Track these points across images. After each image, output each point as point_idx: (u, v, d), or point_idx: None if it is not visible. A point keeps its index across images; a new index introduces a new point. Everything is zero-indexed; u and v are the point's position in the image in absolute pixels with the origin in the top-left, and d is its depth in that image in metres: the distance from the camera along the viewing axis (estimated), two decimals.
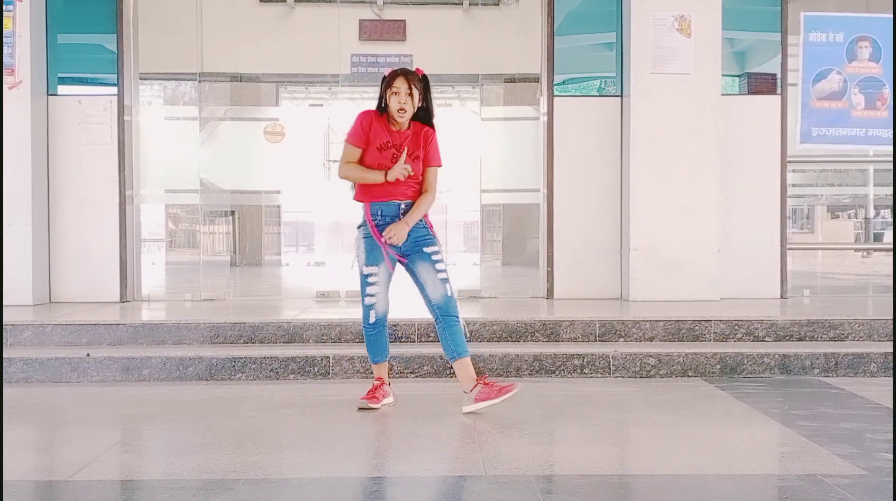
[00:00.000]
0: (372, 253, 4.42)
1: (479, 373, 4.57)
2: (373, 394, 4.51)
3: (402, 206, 4.44)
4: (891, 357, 5.51)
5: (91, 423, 4.36)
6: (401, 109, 4.38)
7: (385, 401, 4.54)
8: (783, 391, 5.03)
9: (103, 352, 5.51)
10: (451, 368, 4.62)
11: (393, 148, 4.42)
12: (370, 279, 4.43)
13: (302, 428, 4.17)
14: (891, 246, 10.71)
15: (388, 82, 4.41)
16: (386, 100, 4.42)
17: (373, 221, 4.43)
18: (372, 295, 4.44)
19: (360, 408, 4.45)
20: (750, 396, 4.87)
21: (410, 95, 4.38)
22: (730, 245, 7.26)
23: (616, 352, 5.49)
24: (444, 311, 4.42)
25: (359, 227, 4.51)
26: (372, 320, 4.47)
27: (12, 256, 6.86)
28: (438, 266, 4.44)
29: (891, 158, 7.88)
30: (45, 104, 7.21)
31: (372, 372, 4.76)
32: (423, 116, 4.50)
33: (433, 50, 8.49)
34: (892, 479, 3.28)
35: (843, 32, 7.47)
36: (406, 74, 4.41)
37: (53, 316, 6.23)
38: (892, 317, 5.97)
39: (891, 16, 7.39)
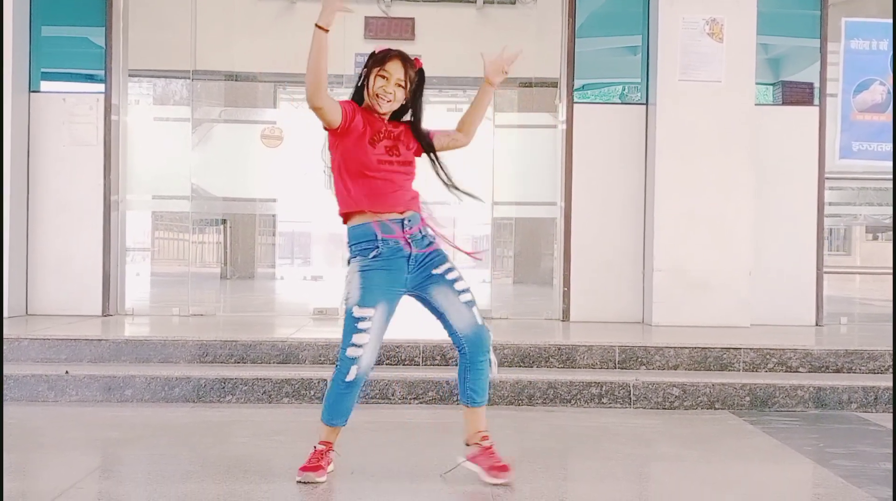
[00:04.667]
0: (370, 292, 3.65)
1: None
2: (318, 463, 3.76)
3: (407, 221, 3.74)
4: None
5: (69, 446, 4.36)
6: (383, 95, 3.70)
7: (328, 469, 3.79)
8: (818, 427, 5.01)
9: (83, 370, 5.51)
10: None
11: (386, 139, 3.73)
12: (360, 325, 3.63)
13: (296, 457, 4.14)
14: None
15: (379, 60, 3.74)
16: (368, 80, 3.75)
17: (371, 248, 3.69)
18: (358, 346, 3.63)
19: (301, 482, 3.69)
20: (782, 431, 4.85)
21: (402, 86, 3.74)
22: (761, 267, 7.25)
23: (637, 381, 5.48)
24: (474, 346, 3.78)
25: (353, 257, 3.75)
26: (350, 377, 3.65)
27: None
28: (458, 286, 3.77)
29: None
30: (26, 101, 7.25)
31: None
32: (415, 116, 3.88)
33: (444, 50, 8.52)
34: None
35: (888, 40, 7.47)
36: (403, 58, 3.76)
37: (30, 330, 6.24)
38: (892, 341, 5.95)
39: None
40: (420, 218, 3.81)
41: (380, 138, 3.71)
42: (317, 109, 3.59)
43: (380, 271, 3.67)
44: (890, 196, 10.20)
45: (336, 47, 8.10)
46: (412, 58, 3.80)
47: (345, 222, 3.81)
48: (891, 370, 5.88)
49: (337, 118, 3.63)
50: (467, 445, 3.85)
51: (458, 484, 3.76)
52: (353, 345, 3.64)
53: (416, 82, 3.80)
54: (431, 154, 3.90)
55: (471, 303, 3.78)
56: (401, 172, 3.76)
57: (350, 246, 3.76)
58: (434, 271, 3.75)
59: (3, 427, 4.45)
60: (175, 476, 3.79)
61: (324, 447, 3.80)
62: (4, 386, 5.34)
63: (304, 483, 3.69)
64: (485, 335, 3.80)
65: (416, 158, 3.86)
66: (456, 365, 3.90)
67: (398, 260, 3.70)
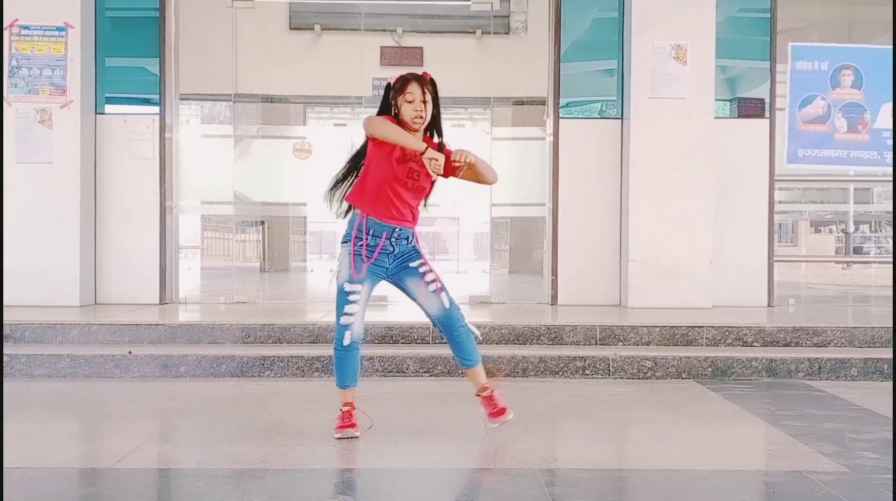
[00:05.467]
0: (358, 271, 3.73)
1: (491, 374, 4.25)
2: (349, 421, 3.82)
3: (397, 231, 3.77)
4: (871, 363, 5.46)
5: (132, 416, 4.36)
6: (417, 117, 3.69)
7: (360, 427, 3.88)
8: (770, 393, 5.00)
9: (144, 350, 5.53)
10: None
11: (412, 161, 3.69)
12: (351, 298, 3.71)
13: (326, 422, 4.16)
14: (869, 259, 10.66)
15: (399, 89, 3.72)
16: (397, 108, 3.73)
17: (362, 238, 3.74)
18: (350, 314, 3.72)
19: (341, 438, 3.76)
20: (739, 397, 4.84)
21: (424, 101, 3.70)
22: (721, 257, 7.23)
23: (615, 355, 5.47)
24: (446, 327, 3.84)
25: (344, 242, 3.80)
26: (346, 341, 3.73)
27: (61, 261, 6.92)
28: (427, 278, 3.80)
29: (870, 178, 7.88)
30: (93, 122, 7.25)
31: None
32: (436, 123, 3.83)
33: (448, 75, 8.44)
34: (873, 476, 3.26)
35: (828, 61, 7.44)
36: (418, 78, 3.72)
37: (98, 316, 6.25)
38: (880, 325, 5.93)
39: (871, 46, 7.38)
40: (412, 232, 3.85)
41: (407, 160, 3.69)
42: (370, 137, 3.70)
43: (366, 258, 3.74)
44: (831, 195, 10.19)
45: (355, 73, 8.17)
46: (420, 74, 3.78)
47: (349, 209, 3.87)
48: (832, 343, 5.87)
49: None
50: (478, 396, 3.96)
51: (464, 442, 3.76)
52: (346, 314, 3.73)
53: (433, 93, 3.76)
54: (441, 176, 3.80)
55: (437, 291, 3.81)
56: (409, 195, 3.78)
57: (347, 229, 3.80)
58: (409, 264, 3.82)
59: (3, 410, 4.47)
60: (223, 440, 3.80)
61: (347, 407, 3.86)
62: (77, 365, 5.37)
63: (344, 438, 3.76)
64: (454, 315, 3.84)
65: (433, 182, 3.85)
66: None
67: (382, 255, 3.77)
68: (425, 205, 3.93)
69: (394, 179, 3.71)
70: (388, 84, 3.80)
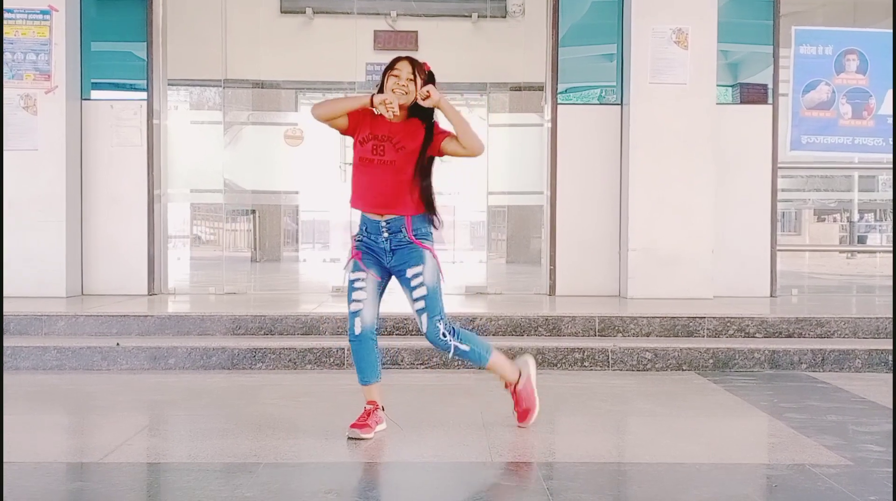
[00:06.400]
0: (360, 259, 3.72)
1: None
2: (364, 421, 3.73)
3: (384, 223, 3.68)
4: (875, 354, 5.48)
5: (120, 408, 4.37)
6: (396, 90, 3.62)
7: (378, 428, 3.78)
8: (772, 385, 5.02)
9: (132, 342, 5.52)
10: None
11: (374, 139, 3.65)
12: (356, 284, 3.70)
13: (318, 415, 4.17)
14: (874, 248, 10.69)
15: (388, 66, 3.70)
16: (383, 84, 3.69)
17: (362, 234, 3.75)
18: (358, 301, 3.69)
19: (350, 438, 3.68)
20: (741, 389, 4.85)
21: (413, 81, 3.64)
22: (723, 246, 7.24)
23: (615, 347, 5.48)
24: (434, 344, 3.75)
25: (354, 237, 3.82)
26: (357, 330, 3.69)
27: (47, 250, 6.90)
28: (416, 293, 3.68)
29: (875, 166, 7.88)
30: (79, 108, 7.22)
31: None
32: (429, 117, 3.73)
33: (443, 59, 8.41)
34: (877, 469, 3.27)
35: (832, 46, 7.44)
36: (411, 60, 3.69)
37: (85, 307, 6.25)
38: (881, 316, 5.94)
39: (877, 30, 7.37)
40: (404, 222, 3.68)
41: (369, 139, 3.67)
42: (321, 121, 3.75)
43: (366, 249, 3.73)
44: (835, 183, 10.21)
45: (348, 58, 8.13)
46: (421, 62, 3.72)
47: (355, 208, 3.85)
48: (836, 334, 5.89)
49: (344, 124, 3.73)
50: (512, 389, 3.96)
51: (460, 435, 3.76)
52: (354, 301, 3.71)
53: (427, 82, 3.69)
54: (429, 155, 3.72)
55: (421, 311, 3.69)
56: (382, 172, 3.65)
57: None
58: (406, 271, 3.69)
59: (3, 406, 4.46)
60: (213, 433, 3.80)
61: (371, 406, 3.79)
62: (64, 357, 5.36)
63: (352, 438, 3.67)
64: (434, 339, 3.72)
65: (417, 160, 3.67)
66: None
67: (379, 248, 3.71)
68: (424, 178, 3.70)
69: (360, 161, 3.69)
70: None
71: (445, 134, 3.71)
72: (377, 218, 3.69)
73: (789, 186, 9.63)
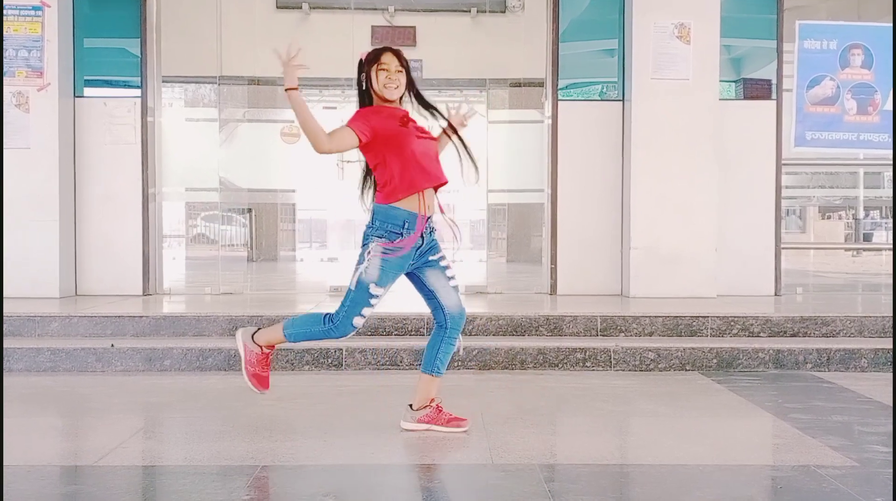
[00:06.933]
0: (387, 275, 3.63)
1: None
2: (265, 371, 3.92)
3: (429, 222, 3.74)
4: (882, 353, 5.48)
5: (115, 411, 4.37)
6: (390, 81, 3.68)
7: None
8: (777, 385, 5.02)
9: (127, 343, 5.52)
10: (424, 373, 3.90)
11: (412, 121, 3.72)
12: (373, 301, 3.65)
13: (316, 417, 4.17)
14: (880, 246, 10.68)
15: (372, 59, 3.71)
16: (369, 80, 3.71)
17: (396, 235, 3.65)
18: (365, 317, 3.70)
19: (247, 386, 3.88)
20: (745, 389, 4.86)
21: (401, 72, 3.70)
22: (726, 244, 7.24)
23: (617, 346, 5.48)
24: (455, 323, 3.80)
25: (379, 236, 3.64)
26: (345, 336, 3.74)
27: (40, 250, 6.89)
28: (449, 272, 3.79)
29: (881, 162, 7.87)
30: (72, 105, 7.21)
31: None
32: (421, 101, 3.83)
33: (442, 55, 8.48)
34: (883, 470, 3.27)
35: (837, 40, 7.43)
36: (393, 50, 3.73)
37: (79, 308, 6.24)
38: (887, 314, 5.94)
39: (882, 24, 7.37)
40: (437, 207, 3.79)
41: (407, 121, 3.69)
42: (328, 153, 3.61)
43: (397, 258, 3.63)
44: (840, 179, 10.19)
45: (345, 54, 8.09)
46: (395, 48, 3.78)
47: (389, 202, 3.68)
48: (841, 333, 5.89)
49: (354, 140, 3.61)
50: (415, 409, 3.88)
51: (460, 437, 3.76)
52: (361, 316, 3.68)
53: (407, 70, 3.75)
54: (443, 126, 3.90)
55: (457, 288, 3.82)
56: (431, 148, 3.75)
57: (376, 223, 3.66)
58: (431, 258, 3.75)
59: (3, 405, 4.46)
60: (209, 436, 3.80)
61: (269, 351, 3.91)
62: (58, 358, 5.36)
63: (249, 387, 3.84)
64: (464, 316, 3.85)
65: None
66: None
67: (411, 250, 3.67)
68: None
69: (416, 138, 3.68)
70: (360, 60, 3.78)
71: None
72: (422, 212, 3.66)
73: (793, 183, 9.61)
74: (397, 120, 3.67)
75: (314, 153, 3.65)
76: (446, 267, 3.79)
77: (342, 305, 3.70)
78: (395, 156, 3.64)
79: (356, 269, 3.68)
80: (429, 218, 3.72)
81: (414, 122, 3.73)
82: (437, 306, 3.81)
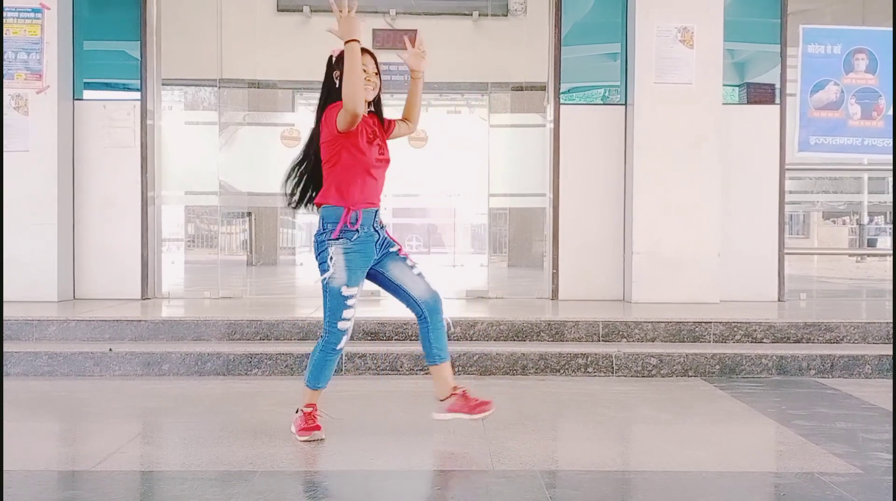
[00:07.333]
0: (354, 273, 3.69)
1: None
2: (314, 423, 3.81)
3: (378, 217, 3.82)
4: (885, 360, 5.48)
5: (113, 415, 4.36)
6: (368, 82, 3.70)
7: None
8: (780, 392, 5.01)
9: (125, 347, 5.52)
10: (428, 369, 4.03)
11: (376, 139, 3.77)
12: (349, 302, 3.70)
13: None
14: (885, 252, 10.68)
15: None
16: (342, 79, 3.61)
17: (355, 233, 3.70)
18: (348, 319, 3.72)
19: (307, 440, 3.77)
20: (748, 396, 4.85)
21: (377, 73, 3.77)
22: (729, 249, 7.24)
23: (619, 352, 5.48)
24: (431, 307, 3.83)
25: (335, 238, 3.68)
26: (341, 345, 3.75)
27: (38, 253, 6.91)
28: (409, 261, 3.86)
29: (885, 167, 7.87)
30: (71, 108, 7.23)
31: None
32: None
33: (443, 58, 8.46)
34: (887, 478, 3.27)
35: (841, 45, 7.44)
36: (369, 52, 3.75)
37: (77, 312, 6.24)
38: (891, 320, 5.94)
39: (886, 29, 7.37)
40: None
41: (373, 139, 3.74)
42: (356, 117, 3.57)
43: (359, 253, 3.71)
44: (844, 184, 10.20)
45: None
46: (371, 50, 3.81)
47: (322, 203, 3.76)
48: (845, 340, 5.89)
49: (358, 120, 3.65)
50: (442, 400, 3.94)
51: (460, 443, 3.77)
52: (344, 319, 3.73)
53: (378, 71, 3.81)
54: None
55: (422, 275, 3.88)
56: (383, 169, 3.84)
57: (329, 226, 3.71)
58: (390, 250, 3.84)
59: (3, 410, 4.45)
60: (208, 441, 3.80)
61: (310, 409, 3.85)
62: (56, 363, 5.36)
63: (311, 441, 3.76)
64: (439, 298, 3.88)
65: None
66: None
67: (371, 244, 3.76)
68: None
69: (375, 162, 3.74)
70: (331, 58, 3.81)
71: (394, 120, 3.96)
72: (373, 210, 3.77)
73: (797, 188, 9.62)
74: (368, 133, 3.73)
75: None
76: (405, 257, 3.87)
77: (324, 318, 3.77)
78: (347, 166, 3.69)
79: (323, 280, 3.73)
80: (376, 212, 3.79)
81: (380, 138, 3.80)
82: (408, 298, 3.87)
